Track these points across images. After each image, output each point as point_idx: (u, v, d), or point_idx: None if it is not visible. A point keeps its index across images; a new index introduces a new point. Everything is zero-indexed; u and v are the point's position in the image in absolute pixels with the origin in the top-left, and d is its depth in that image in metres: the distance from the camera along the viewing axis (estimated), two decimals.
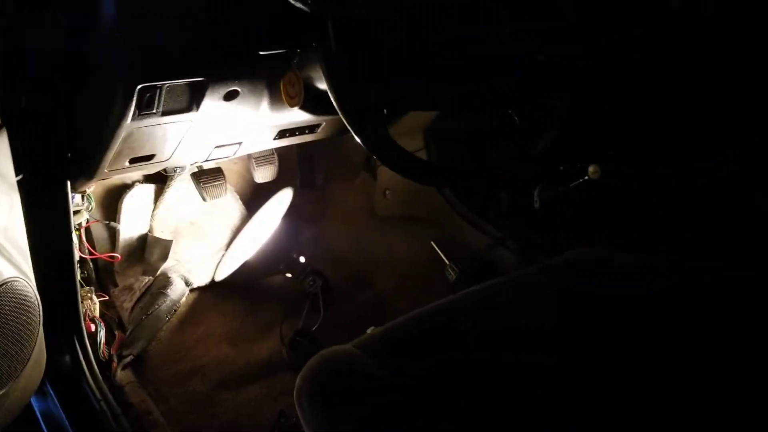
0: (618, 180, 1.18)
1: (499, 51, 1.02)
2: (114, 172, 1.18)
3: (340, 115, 0.86)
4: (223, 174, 1.60)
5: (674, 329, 0.98)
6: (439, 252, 1.49)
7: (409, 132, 1.52)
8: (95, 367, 1.24)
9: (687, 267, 1.11)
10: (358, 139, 0.86)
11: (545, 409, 0.86)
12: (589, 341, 0.95)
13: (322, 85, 1.04)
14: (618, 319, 0.99)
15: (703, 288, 1.05)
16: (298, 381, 0.83)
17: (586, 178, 1.19)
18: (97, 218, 1.45)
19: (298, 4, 0.85)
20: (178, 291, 1.49)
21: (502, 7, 1.00)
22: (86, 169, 1.15)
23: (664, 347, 0.94)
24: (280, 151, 1.69)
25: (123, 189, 1.50)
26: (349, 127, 0.86)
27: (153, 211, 1.54)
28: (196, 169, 1.55)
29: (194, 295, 1.58)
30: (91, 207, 1.36)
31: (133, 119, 1.00)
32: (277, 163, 1.70)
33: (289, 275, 1.64)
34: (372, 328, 1.23)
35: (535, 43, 1.04)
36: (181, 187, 1.56)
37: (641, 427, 0.85)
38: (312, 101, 1.09)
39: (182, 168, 1.35)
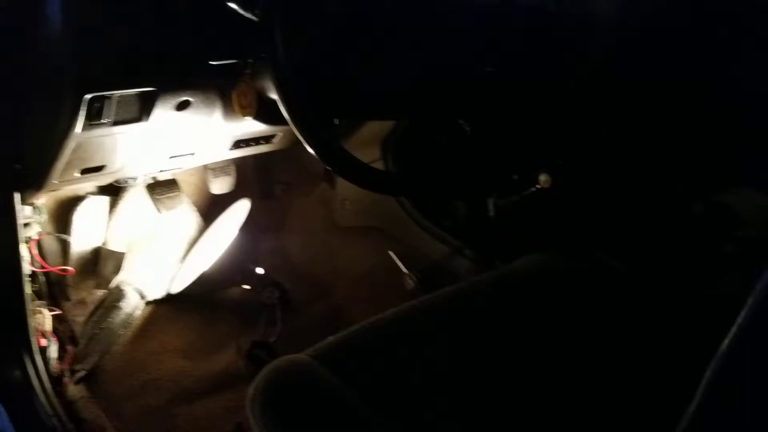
0: (568, 188, 1.20)
1: (450, 62, 1.03)
2: (64, 183, 1.16)
3: (291, 125, 0.86)
4: (178, 185, 1.59)
5: (625, 333, 1.00)
6: (398, 261, 1.50)
7: (367, 143, 1.53)
8: (46, 382, 1.22)
9: (635, 272, 1.14)
10: (308, 149, 0.86)
11: (504, 410, 0.87)
12: (542, 344, 0.97)
13: (275, 95, 1.04)
14: (569, 322, 1.01)
15: (648, 292, 1.08)
16: (250, 390, 0.83)
17: (538, 186, 1.22)
18: (49, 231, 1.42)
19: (247, 14, 0.85)
20: (132, 304, 1.47)
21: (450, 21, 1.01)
22: (35, 181, 1.13)
23: (616, 351, 0.96)
24: (238, 162, 1.68)
25: (76, 201, 1.48)
26: (299, 137, 0.86)
27: (107, 223, 1.52)
28: (151, 181, 1.54)
29: (149, 308, 1.56)
30: (42, 219, 1.34)
31: (82, 129, 0.99)
32: (234, 174, 1.69)
33: (246, 287, 1.63)
34: (331, 338, 1.23)
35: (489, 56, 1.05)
36: (136, 198, 1.54)
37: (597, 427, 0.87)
38: (266, 111, 1.08)
39: (135, 179, 1.33)
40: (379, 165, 1.56)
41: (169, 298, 1.59)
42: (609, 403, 0.89)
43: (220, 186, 1.69)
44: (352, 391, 0.83)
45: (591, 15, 1.15)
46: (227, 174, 1.69)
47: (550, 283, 1.08)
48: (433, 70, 1.01)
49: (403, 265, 1.48)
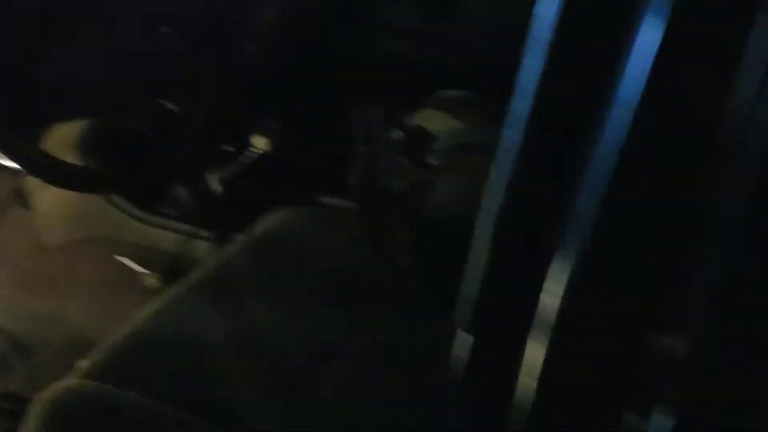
0: (287, 145, 1.25)
1: (132, 41, 1.00)
2: None
3: None
4: None
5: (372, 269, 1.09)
6: (131, 264, 1.42)
7: (59, 149, 1.41)
8: None
9: (365, 208, 1.23)
10: (15, 163, 0.78)
11: (301, 375, 0.89)
12: (307, 297, 1.01)
13: None
14: (323, 267, 1.06)
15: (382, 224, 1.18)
16: None
17: (256, 150, 1.23)
18: None
19: None
20: None
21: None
22: None
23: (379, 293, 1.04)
24: None
25: None
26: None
27: None
28: None
29: None
30: None
31: None
32: None
33: None
34: (83, 360, 1.14)
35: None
36: None
37: None
38: None
39: None
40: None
41: None
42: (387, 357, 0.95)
43: None
44: (153, 400, 0.79)
45: None
46: None
47: (292, 239, 1.12)
48: (117, 56, 0.98)
49: (139, 265, 1.41)
